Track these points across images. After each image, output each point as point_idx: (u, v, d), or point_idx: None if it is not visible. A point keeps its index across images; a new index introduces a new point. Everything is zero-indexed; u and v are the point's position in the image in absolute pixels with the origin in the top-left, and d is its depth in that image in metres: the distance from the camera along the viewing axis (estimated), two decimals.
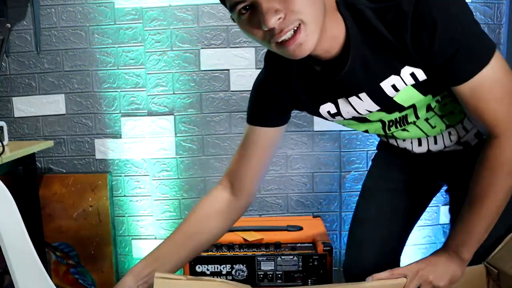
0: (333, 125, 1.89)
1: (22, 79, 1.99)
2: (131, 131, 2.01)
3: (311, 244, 1.66)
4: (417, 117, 0.95)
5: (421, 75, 0.84)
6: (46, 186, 1.96)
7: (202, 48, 1.95)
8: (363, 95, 0.89)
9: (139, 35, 1.95)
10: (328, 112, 0.96)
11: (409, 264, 0.92)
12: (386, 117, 0.96)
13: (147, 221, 2.05)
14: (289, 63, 0.89)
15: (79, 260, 1.98)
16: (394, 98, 0.89)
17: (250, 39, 1.92)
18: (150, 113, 2.00)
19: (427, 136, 1.02)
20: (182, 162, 2.01)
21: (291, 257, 1.59)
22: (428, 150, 1.05)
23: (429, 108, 0.94)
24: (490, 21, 1.95)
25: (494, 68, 0.79)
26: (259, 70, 2.09)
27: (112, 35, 1.96)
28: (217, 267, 1.60)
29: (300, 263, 1.59)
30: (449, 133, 1.01)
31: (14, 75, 1.98)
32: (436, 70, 0.81)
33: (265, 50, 2.13)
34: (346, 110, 0.94)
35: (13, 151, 1.60)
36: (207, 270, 1.60)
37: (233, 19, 0.80)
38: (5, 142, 1.64)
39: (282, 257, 1.59)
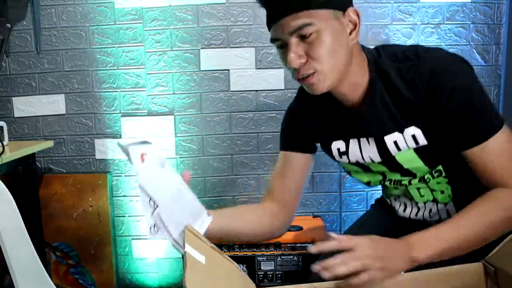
0: None
1: (22, 79, 1.99)
2: (131, 131, 2.01)
3: (311, 244, 1.66)
4: (409, 183, 1.02)
5: (422, 140, 0.92)
6: (46, 186, 1.96)
7: (202, 48, 1.95)
8: (371, 140, 0.99)
9: (139, 35, 1.95)
10: (338, 149, 1.05)
11: (364, 237, 0.79)
12: (388, 173, 1.03)
13: None
14: (319, 98, 0.99)
15: (79, 260, 1.98)
16: (395, 157, 0.97)
17: (250, 39, 1.93)
18: (150, 113, 2.00)
19: (412, 201, 1.07)
20: (182, 162, 2.01)
21: (291, 257, 1.59)
22: (409, 217, 1.10)
23: (422, 179, 1.00)
24: (490, 21, 1.95)
25: (502, 137, 0.87)
26: (259, 70, 2.10)
27: (112, 35, 1.96)
28: None
29: (300, 263, 1.59)
30: (430, 210, 1.06)
31: (14, 75, 1.98)
32: (447, 132, 0.89)
33: (265, 50, 2.13)
34: (353, 151, 1.02)
35: (13, 151, 1.60)
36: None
37: None
38: (5, 142, 1.64)
39: (282, 257, 1.59)
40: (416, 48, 0.91)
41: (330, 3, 0.86)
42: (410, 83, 0.88)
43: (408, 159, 0.96)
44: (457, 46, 1.97)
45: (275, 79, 1.96)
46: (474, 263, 0.92)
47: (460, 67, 0.87)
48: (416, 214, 1.09)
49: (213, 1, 1.92)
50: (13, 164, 1.67)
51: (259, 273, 1.61)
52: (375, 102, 0.93)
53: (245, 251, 1.62)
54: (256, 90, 1.97)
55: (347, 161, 1.06)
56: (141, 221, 2.05)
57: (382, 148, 0.97)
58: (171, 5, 1.93)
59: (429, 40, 1.96)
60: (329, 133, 1.05)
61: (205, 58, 1.96)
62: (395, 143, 0.95)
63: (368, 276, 0.73)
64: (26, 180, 1.81)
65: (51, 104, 2.00)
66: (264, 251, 1.62)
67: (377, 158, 1.00)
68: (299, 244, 1.66)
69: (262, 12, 0.94)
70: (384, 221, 1.17)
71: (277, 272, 1.60)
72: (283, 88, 1.97)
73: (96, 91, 1.99)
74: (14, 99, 2.00)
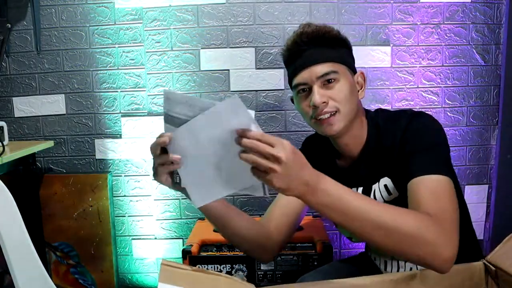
0: None
1: (22, 79, 1.99)
2: (131, 131, 2.01)
3: (310, 244, 1.66)
4: None
5: (393, 191, 1.04)
6: (46, 186, 1.96)
7: (202, 48, 1.95)
8: (360, 190, 1.11)
9: (139, 35, 1.96)
10: None
11: (288, 144, 0.80)
12: None
13: (147, 221, 2.05)
14: (320, 150, 1.17)
15: (79, 260, 1.99)
16: None
17: (250, 39, 1.93)
18: (150, 113, 2.00)
19: (393, 260, 1.12)
20: None
21: (291, 257, 1.59)
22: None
23: None
24: (490, 21, 1.95)
25: (441, 181, 0.90)
26: (259, 70, 2.10)
27: (112, 35, 1.96)
28: (217, 267, 1.60)
29: (300, 263, 1.59)
30: (410, 269, 1.08)
31: (14, 75, 1.98)
32: (403, 162, 0.98)
33: (265, 50, 2.13)
34: None
35: (13, 151, 1.60)
36: (207, 270, 1.60)
37: (292, 100, 1.13)
38: (5, 142, 1.64)
39: (282, 257, 1.59)
40: (406, 110, 1.08)
41: (348, 63, 1.07)
42: (392, 133, 1.03)
43: None
44: (457, 46, 1.97)
45: (275, 79, 1.96)
46: (475, 262, 0.92)
47: (434, 121, 1.01)
48: (398, 271, 1.11)
49: (213, 1, 1.92)
50: (13, 164, 1.68)
51: (259, 273, 1.61)
52: (370, 154, 1.07)
53: None
54: (256, 90, 1.97)
55: None
56: (141, 221, 2.05)
57: None
58: (171, 5, 1.93)
59: (429, 40, 1.96)
60: None
61: (205, 58, 1.96)
62: (374, 195, 1.07)
63: (267, 178, 0.77)
64: (26, 180, 1.82)
65: (51, 104, 2.00)
66: None
67: None
68: (299, 244, 1.66)
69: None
70: (363, 270, 1.18)
71: (276, 272, 1.60)
72: (283, 88, 1.97)
73: (96, 91, 1.99)
74: (14, 99, 2.00)
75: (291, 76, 1.08)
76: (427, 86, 1.99)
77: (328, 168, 1.14)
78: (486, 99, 2.01)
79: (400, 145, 1.00)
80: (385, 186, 1.05)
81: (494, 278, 0.90)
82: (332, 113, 1.02)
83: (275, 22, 1.93)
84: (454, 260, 0.83)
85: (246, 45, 1.95)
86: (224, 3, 1.93)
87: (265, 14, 1.93)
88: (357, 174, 1.11)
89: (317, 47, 1.03)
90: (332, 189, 0.81)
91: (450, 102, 2.00)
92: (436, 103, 2.00)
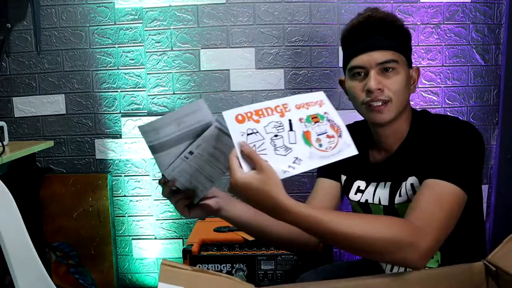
0: None
1: (22, 79, 1.99)
2: (131, 131, 2.01)
3: None
4: None
5: (418, 189, 1.00)
6: (46, 186, 1.96)
7: (202, 48, 1.95)
8: (388, 184, 1.08)
9: (139, 35, 1.96)
10: (358, 187, 1.16)
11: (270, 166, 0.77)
12: None
13: (147, 221, 2.05)
14: (358, 138, 1.08)
15: (79, 260, 1.99)
16: (395, 205, 1.05)
17: (250, 39, 1.93)
18: (150, 113, 2.00)
19: None
20: None
21: (291, 256, 1.59)
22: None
23: None
24: (490, 21, 1.95)
25: (455, 192, 0.91)
26: (259, 70, 2.10)
27: (112, 35, 1.96)
28: (218, 266, 1.60)
29: (300, 263, 1.59)
30: None
31: (14, 75, 1.98)
32: (429, 162, 0.97)
33: (265, 50, 2.12)
34: (368, 191, 1.13)
35: (13, 151, 1.60)
36: (207, 269, 1.60)
37: (339, 83, 1.13)
38: (5, 142, 1.64)
39: (282, 256, 1.59)
40: (455, 117, 1.07)
41: (407, 55, 1.06)
42: (432, 135, 1.02)
43: (405, 209, 0.97)
44: (457, 46, 1.97)
45: (275, 79, 1.96)
46: (475, 262, 0.92)
47: (476, 135, 0.99)
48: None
49: (213, 1, 1.92)
50: (13, 164, 1.67)
51: (259, 272, 1.61)
52: (407, 150, 1.06)
53: (246, 251, 1.62)
54: (256, 90, 1.97)
55: (358, 199, 1.15)
56: (141, 221, 2.05)
57: (393, 194, 1.06)
58: (171, 5, 1.93)
59: (429, 40, 1.96)
60: (357, 172, 1.16)
61: (205, 58, 1.96)
62: (399, 191, 1.05)
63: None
64: (26, 180, 1.82)
65: (51, 104, 2.00)
66: (264, 250, 1.62)
67: (385, 201, 1.08)
68: None
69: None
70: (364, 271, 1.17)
71: (277, 272, 1.61)
72: (283, 88, 1.97)
73: (96, 91, 1.99)
74: (14, 99, 2.00)
75: (348, 57, 1.06)
76: (427, 86, 1.99)
77: (363, 160, 1.13)
78: (486, 99, 2.01)
79: (433, 147, 0.99)
80: (412, 185, 1.04)
81: (495, 279, 0.89)
82: (384, 102, 1.01)
83: (275, 22, 1.93)
84: (427, 257, 0.85)
85: (246, 45, 1.95)
86: (224, 3, 1.93)
87: (265, 14, 1.93)
88: (389, 168, 1.09)
89: (382, 34, 1.02)
90: (296, 208, 0.79)
91: (450, 102, 2.00)
92: (436, 103, 2.00)
